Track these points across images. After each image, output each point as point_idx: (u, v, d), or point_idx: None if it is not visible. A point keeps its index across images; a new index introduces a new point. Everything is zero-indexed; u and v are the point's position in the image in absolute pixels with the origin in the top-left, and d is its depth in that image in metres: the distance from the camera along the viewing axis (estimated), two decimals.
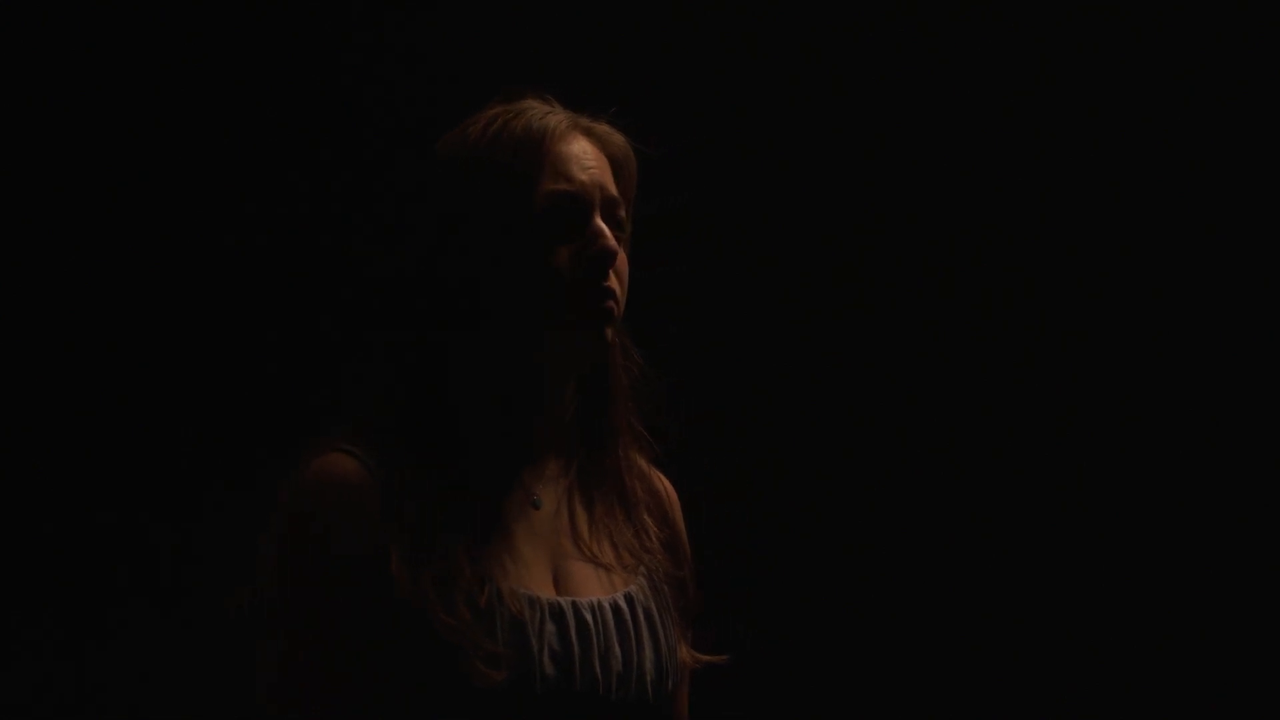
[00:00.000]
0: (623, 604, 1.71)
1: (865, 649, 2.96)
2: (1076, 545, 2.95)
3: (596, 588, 1.72)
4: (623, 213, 1.74)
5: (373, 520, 1.62)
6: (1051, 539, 2.95)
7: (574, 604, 1.68)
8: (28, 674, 2.74)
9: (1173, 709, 2.92)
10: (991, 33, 2.97)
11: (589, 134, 1.73)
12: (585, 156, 1.71)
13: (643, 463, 1.82)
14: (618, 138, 1.75)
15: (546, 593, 1.68)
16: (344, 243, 2.83)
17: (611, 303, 1.69)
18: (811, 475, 2.95)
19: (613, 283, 1.69)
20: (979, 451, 2.96)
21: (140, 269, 2.81)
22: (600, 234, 1.69)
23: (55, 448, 2.77)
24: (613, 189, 1.73)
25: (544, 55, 2.82)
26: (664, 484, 1.86)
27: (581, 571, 1.72)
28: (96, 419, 2.78)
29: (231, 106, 2.83)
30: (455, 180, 1.71)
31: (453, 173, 1.71)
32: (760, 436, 2.92)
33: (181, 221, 2.82)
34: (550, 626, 1.65)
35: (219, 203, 2.83)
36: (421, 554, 1.61)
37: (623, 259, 1.71)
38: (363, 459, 1.64)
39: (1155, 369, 2.96)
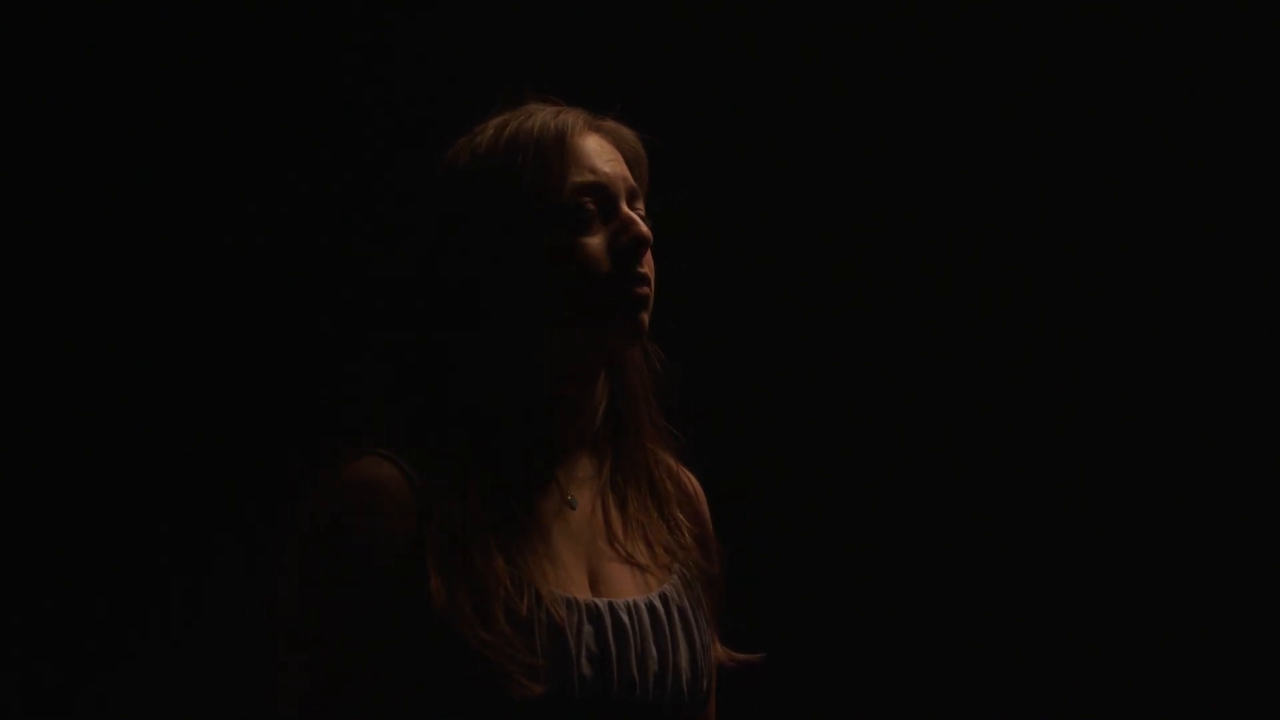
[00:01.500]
0: (658, 604, 1.70)
1: (865, 647, 2.96)
2: (1076, 544, 2.95)
3: (632, 588, 1.71)
4: (641, 205, 1.74)
5: (409, 527, 1.60)
6: (1051, 538, 2.95)
7: (611, 605, 1.66)
8: (28, 674, 2.74)
9: (1173, 709, 2.91)
10: (991, 33, 2.97)
11: (600, 131, 1.74)
12: (605, 150, 1.72)
13: (669, 459, 1.81)
14: (628, 133, 1.76)
15: (584, 594, 1.67)
16: (344, 243, 2.84)
17: (647, 288, 1.69)
18: (811, 474, 2.95)
19: (647, 268, 1.69)
20: (979, 449, 2.96)
21: (140, 269, 2.81)
22: (632, 221, 1.69)
23: (55, 448, 2.77)
24: (632, 180, 1.73)
25: (544, 55, 2.82)
26: (691, 480, 1.85)
27: (617, 572, 1.71)
28: (96, 419, 2.78)
29: (231, 106, 2.83)
30: (478, 184, 1.69)
31: (475, 176, 1.70)
32: (759, 435, 2.92)
33: (182, 221, 2.82)
34: (588, 629, 1.64)
35: (219, 203, 2.83)
36: (459, 563, 1.59)
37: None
38: (398, 463, 1.63)
39: (1154, 367, 2.96)
